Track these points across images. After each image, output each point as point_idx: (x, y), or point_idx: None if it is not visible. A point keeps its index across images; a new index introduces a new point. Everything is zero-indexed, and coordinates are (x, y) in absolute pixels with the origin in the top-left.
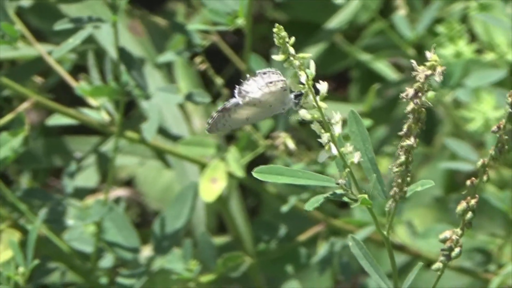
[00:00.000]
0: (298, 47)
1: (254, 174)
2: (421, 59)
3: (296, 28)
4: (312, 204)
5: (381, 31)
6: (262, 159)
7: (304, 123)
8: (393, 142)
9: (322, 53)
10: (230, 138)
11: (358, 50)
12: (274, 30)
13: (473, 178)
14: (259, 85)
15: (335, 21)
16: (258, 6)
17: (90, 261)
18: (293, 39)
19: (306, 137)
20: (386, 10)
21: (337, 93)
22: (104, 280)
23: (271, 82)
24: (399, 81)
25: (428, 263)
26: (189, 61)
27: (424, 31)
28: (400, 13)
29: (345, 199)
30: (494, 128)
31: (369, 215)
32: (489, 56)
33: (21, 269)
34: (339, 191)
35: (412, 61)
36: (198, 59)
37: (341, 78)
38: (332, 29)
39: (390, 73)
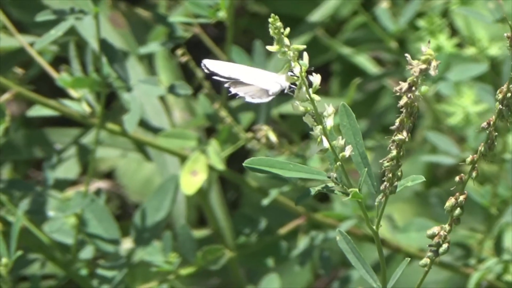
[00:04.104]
0: None
1: (245, 166)
2: (403, 53)
3: None
4: (302, 198)
5: (362, 25)
6: (242, 152)
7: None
8: (374, 136)
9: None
10: (210, 131)
11: (339, 44)
12: (270, 20)
13: (462, 175)
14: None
15: (317, 15)
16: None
17: (70, 253)
18: (288, 30)
19: (287, 130)
20: (367, 3)
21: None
22: (84, 271)
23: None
24: (380, 75)
25: (408, 257)
26: (170, 54)
27: (405, 25)
28: (383, 6)
29: (337, 192)
30: (484, 124)
31: (350, 209)
32: (470, 51)
33: (4, 260)
34: (330, 185)
35: (407, 54)
36: (179, 51)
37: (322, 72)
38: (314, 22)
39: (371, 67)
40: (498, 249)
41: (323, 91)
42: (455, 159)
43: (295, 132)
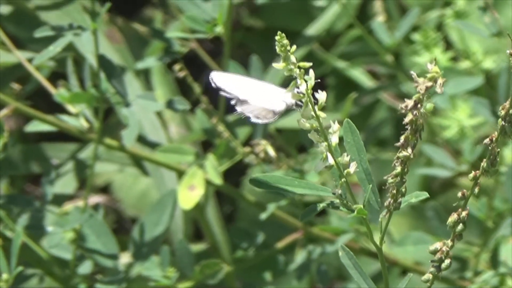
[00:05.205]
0: (274, 54)
1: (250, 183)
2: (398, 66)
3: (272, 35)
4: (307, 214)
5: (357, 39)
6: (239, 166)
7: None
8: (369, 149)
9: (299, 59)
10: (207, 146)
11: (334, 57)
12: (276, 38)
13: (464, 190)
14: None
15: (313, 29)
16: (234, 13)
17: (68, 268)
18: (294, 47)
19: (283, 144)
20: (362, 17)
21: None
22: (82, 286)
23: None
24: (375, 89)
25: (404, 270)
26: (166, 69)
27: (400, 39)
28: (379, 19)
29: (342, 209)
30: (486, 140)
31: (346, 223)
32: (465, 64)
33: (4, 276)
34: (335, 201)
35: (412, 72)
36: (177, 66)
37: (317, 85)
38: (310, 36)
39: (366, 81)
40: (494, 262)
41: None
42: (451, 172)
43: (292, 145)
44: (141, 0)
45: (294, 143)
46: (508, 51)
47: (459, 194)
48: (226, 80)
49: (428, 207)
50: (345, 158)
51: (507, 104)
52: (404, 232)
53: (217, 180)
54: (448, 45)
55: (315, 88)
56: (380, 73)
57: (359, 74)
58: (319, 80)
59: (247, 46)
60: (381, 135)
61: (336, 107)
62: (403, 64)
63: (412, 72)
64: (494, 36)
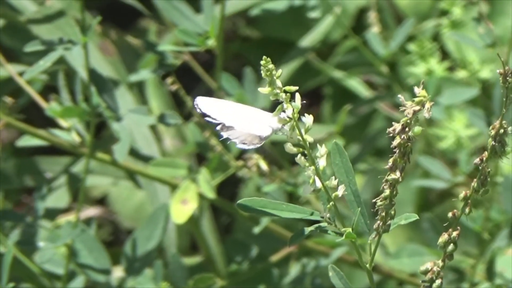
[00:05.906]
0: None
1: (237, 207)
2: (394, 76)
3: (268, 45)
4: (296, 238)
5: (353, 49)
6: (234, 178)
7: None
8: (366, 159)
9: (295, 70)
10: (202, 156)
11: (331, 67)
12: (262, 62)
13: (455, 211)
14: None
15: (308, 39)
16: (230, 24)
17: (61, 283)
18: (280, 71)
19: (277, 156)
20: (358, 27)
21: (310, 110)
22: None
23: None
24: (371, 99)
25: (400, 282)
26: (160, 80)
27: (396, 48)
28: (373, 30)
29: (330, 233)
30: (477, 160)
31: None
32: (461, 74)
33: None
34: (323, 224)
35: (400, 96)
36: (169, 80)
37: (314, 95)
38: (305, 47)
39: (363, 90)
40: (490, 273)
41: (315, 114)
42: (447, 183)
43: (285, 158)
44: (136, 11)
45: (288, 156)
46: (498, 71)
47: (450, 215)
48: (211, 106)
49: (424, 219)
50: (333, 181)
51: (497, 124)
52: (400, 243)
53: (210, 194)
54: (445, 54)
55: (311, 98)
56: (377, 83)
57: (356, 84)
58: (304, 104)
59: (243, 56)
60: (378, 145)
61: (333, 117)
62: (399, 74)
63: (399, 95)
64: (489, 47)
